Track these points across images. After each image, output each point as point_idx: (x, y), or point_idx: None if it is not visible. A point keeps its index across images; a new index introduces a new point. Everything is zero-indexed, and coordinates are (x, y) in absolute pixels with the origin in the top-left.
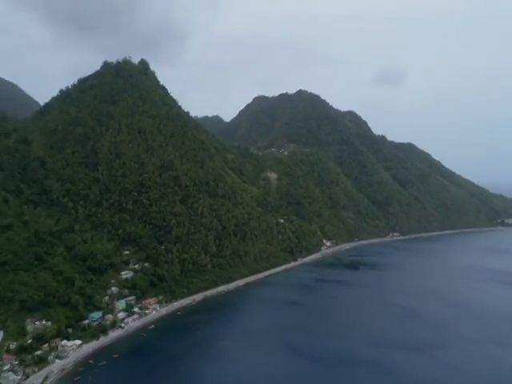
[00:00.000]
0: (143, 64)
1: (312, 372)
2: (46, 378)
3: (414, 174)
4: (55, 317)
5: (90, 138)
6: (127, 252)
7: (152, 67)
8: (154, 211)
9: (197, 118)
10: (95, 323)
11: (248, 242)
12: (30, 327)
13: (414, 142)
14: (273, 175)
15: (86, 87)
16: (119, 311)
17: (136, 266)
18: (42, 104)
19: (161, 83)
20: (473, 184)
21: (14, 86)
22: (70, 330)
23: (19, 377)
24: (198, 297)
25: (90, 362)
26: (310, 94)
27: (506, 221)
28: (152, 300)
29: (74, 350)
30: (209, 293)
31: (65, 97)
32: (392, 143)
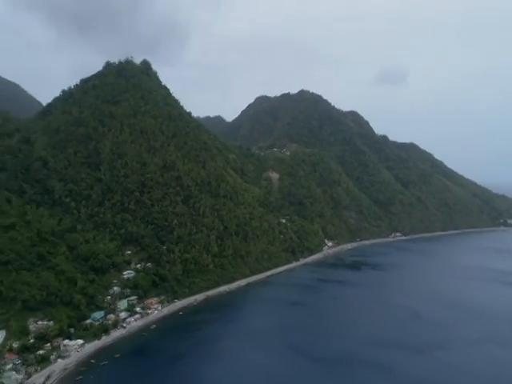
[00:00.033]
0: (145, 64)
1: (314, 372)
2: (48, 377)
3: (416, 174)
4: (57, 316)
5: (92, 138)
6: (129, 252)
7: (154, 67)
8: (156, 211)
9: (199, 118)
10: (97, 323)
11: (250, 242)
12: (32, 327)
13: (416, 142)
14: (274, 175)
15: (88, 87)
16: (121, 311)
17: (138, 265)
18: (44, 104)
19: (163, 83)
20: (475, 184)
21: (16, 87)
22: (72, 330)
23: (21, 376)
24: (199, 297)
25: (92, 361)
26: (312, 93)
27: (508, 221)
28: (154, 300)
29: (76, 349)
30: (210, 293)
31: (67, 97)
32: (394, 143)
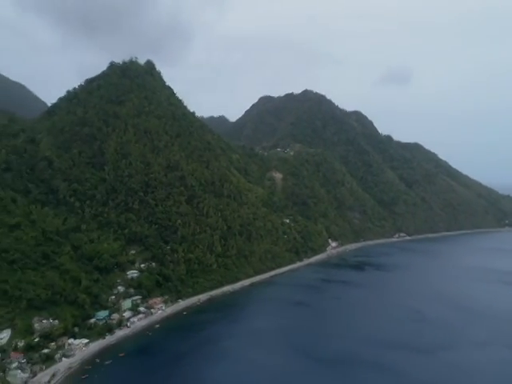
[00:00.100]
0: (149, 64)
1: (317, 373)
2: (53, 376)
3: (421, 174)
4: (62, 315)
5: (97, 138)
6: (133, 252)
7: (158, 67)
8: (160, 211)
9: (202, 118)
10: (101, 322)
11: (253, 242)
12: (37, 325)
13: (421, 142)
14: (278, 175)
15: (92, 88)
16: (125, 310)
17: (142, 265)
18: (49, 105)
19: (166, 83)
20: (480, 184)
21: (22, 87)
22: (76, 329)
23: (27, 375)
24: (203, 297)
25: (97, 360)
26: (316, 93)
27: None
28: (158, 299)
29: (81, 348)
30: (214, 293)
31: (72, 97)
32: (398, 143)
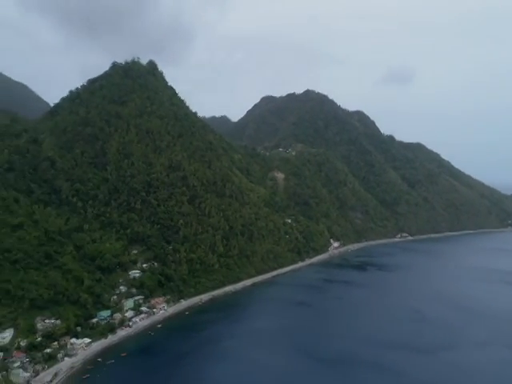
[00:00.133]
0: (151, 65)
1: (319, 373)
2: (56, 375)
3: (423, 174)
4: (64, 315)
5: (99, 139)
6: (135, 251)
7: (160, 68)
8: (162, 211)
9: (204, 118)
10: (104, 322)
11: (255, 242)
12: (39, 325)
13: (423, 142)
14: (280, 175)
15: (94, 88)
16: (127, 310)
17: (144, 265)
18: (51, 105)
19: (168, 84)
20: (483, 185)
21: (24, 88)
22: (78, 329)
23: (29, 374)
24: (205, 296)
25: (99, 360)
26: (318, 93)
27: None
28: (160, 299)
29: (83, 348)
30: (216, 293)
31: (74, 97)
32: (400, 143)
